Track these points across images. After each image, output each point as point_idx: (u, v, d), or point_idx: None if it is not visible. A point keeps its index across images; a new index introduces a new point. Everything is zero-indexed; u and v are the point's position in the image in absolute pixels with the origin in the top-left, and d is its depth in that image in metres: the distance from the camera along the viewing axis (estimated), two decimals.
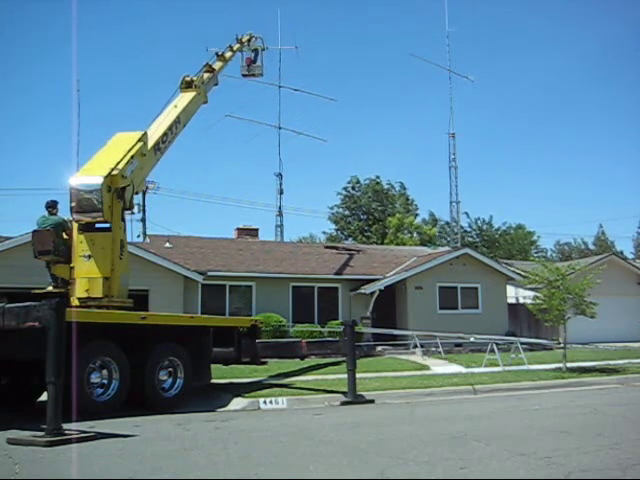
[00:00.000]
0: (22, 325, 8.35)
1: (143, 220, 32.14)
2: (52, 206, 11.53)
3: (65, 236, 11.33)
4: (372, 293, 23.78)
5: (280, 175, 38.93)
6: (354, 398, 11.20)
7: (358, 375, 11.80)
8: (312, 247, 31.07)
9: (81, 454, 6.47)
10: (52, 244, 11.03)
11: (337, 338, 18.56)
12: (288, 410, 10.67)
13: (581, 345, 22.16)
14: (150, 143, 12.59)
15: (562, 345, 17.75)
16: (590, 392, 13.09)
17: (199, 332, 11.71)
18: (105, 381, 9.49)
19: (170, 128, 13.53)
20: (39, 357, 7.58)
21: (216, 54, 16.87)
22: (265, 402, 10.99)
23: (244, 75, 19.72)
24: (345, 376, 11.62)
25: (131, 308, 11.19)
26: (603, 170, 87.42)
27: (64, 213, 11.47)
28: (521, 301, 27.36)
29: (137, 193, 12.34)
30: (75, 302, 10.57)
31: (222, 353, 12.51)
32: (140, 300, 13.40)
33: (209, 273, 21.74)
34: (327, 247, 28.07)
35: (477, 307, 25.62)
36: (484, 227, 57.43)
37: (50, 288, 11.17)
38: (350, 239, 50.97)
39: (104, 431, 7.61)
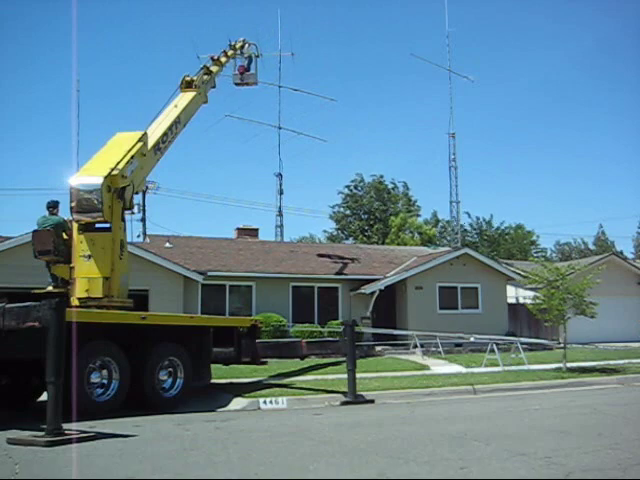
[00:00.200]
0: (22, 325, 8.35)
1: (143, 220, 32.23)
2: (53, 206, 11.54)
3: (65, 236, 11.32)
4: (372, 293, 23.79)
5: (280, 175, 38.97)
6: (354, 398, 11.20)
7: (358, 375, 11.80)
8: (312, 247, 31.06)
9: (81, 454, 6.46)
10: (52, 244, 11.02)
11: (337, 338, 18.53)
12: (288, 410, 10.67)
13: (581, 345, 22.14)
14: (150, 143, 12.59)
15: (562, 345, 17.74)
16: (590, 392, 13.08)
17: (199, 332, 11.71)
18: (105, 381, 9.49)
19: (170, 128, 13.52)
20: (39, 357, 7.58)
21: (211, 58, 16.66)
22: (265, 402, 10.99)
23: (237, 84, 18.70)
24: (345, 376, 11.62)
25: (131, 308, 11.19)
26: (603, 170, 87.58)
27: (65, 213, 11.49)
28: (521, 301, 27.36)
29: (137, 193, 12.34)
30: (75, 302, 10.57)
31: (222, 353, 12.51)
32: (140, 300, 13.41)
33: (209, 273, 21.75)
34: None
35: (477, 307, 25.62)
36: (484, 227, 57.44)
37: (50, 288, 11.17)
38: (351, 239, 50.98)
39: (104, 431, 7.60)
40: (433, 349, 21.24)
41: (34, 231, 11.47)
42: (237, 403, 10.96)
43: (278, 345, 16.95)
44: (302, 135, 37.39)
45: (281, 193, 39.45)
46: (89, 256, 10.74)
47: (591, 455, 6.25)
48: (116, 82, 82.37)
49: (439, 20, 79.21)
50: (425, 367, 17.39)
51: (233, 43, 17.97)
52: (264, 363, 13.93)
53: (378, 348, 21.86)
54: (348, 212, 53.21)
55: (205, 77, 15.67)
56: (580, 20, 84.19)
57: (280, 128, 37.02)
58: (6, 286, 15.52)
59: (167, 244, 24.22)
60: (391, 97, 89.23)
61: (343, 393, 11.47)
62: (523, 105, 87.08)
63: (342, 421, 9.21)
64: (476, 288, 25.67)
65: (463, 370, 16.64)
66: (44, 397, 8.26)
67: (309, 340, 18.53)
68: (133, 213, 12.82)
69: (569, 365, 16.10)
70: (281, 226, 39.69)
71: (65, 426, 7.21)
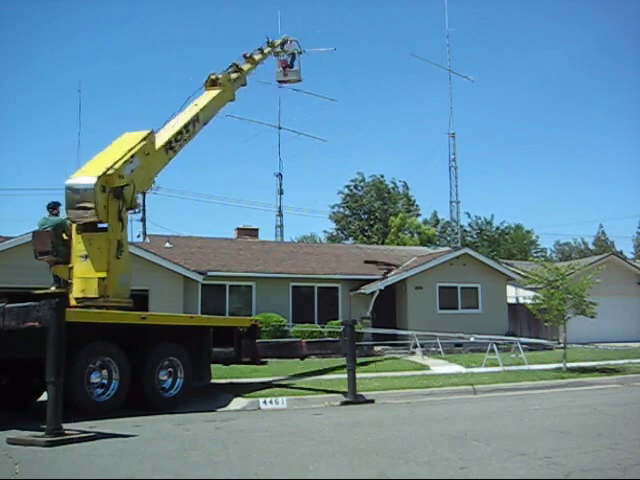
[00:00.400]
0: (22, 325, 8.35)
1: (143, 220, 32.20)
2: (53, 207, 11.53)
3: (65, 237, 11.31)
4: (372, 293, 23.79)
5: (280, 175, 39.06)
6: (354, 398, 11.19)
7: (358, 375, 11.79)
8: (312, 247, 31.06)
9: (81, 454, 6.46)
10: (50, 245, 11.02)
11: (337, 338, 18.55)
12: (288, 410, 10.67)
13: (581, 345, 22.15)
14: (161, 142, 12.41)
15: (562, 345, 17.74)
16: (590, 392, 13.08)
17: (199, 332, 11.71)
18: (105, 381, 9.48)
19: (186, 126, 13.29)
20: (39, 357, 7.58)
21: (244, 56, 16.20)
22: (265, 402, 10.98)
23: (280, 81, 18.00)
24: (345, 376, 11.62)
25: (131, 308, 11.17)
26: (603, 170, 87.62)
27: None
28: (521, 301, 27.36)
29: (143, 192, 12.19)
30: (72, 302, 10.55)
31: (222, 353, 12.50)
32: (140, 300, 13.39)
33: (209, 273, 21.75)
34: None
35: (477, 307, 25.63)
36: (484, 227, 57.45)
37: (53, 289, 11.14)
38: (351, 239, 50.97)
39: (104, 431, 7.60)
40: (433, 349, 21.25)
41: (34, 232, 11.47)
42: (237, 403, 10.95)
43: (278, 345, 16.96)
44: (302, 135, 37.58)
45: (281, 193, 39.56)
46: (86, 256, 10.70)
47: (591, 455, 6.25)
48: (116, 82, 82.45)
49: (439, 20, 79.37)
50: (425, 367, 17.39)
51: (272, 40, 17.25)
52: (264, 363, 13.92)
53: (378, 348, 21.87)
54: (348, 212, 53.22)
55: (233, 75, 15.29)
56: (580, 20, 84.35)
57: (280, 128, 37.15)
58: (6, 286, 15.50)
59: (167, 244, 24.22)
60: (391, 97, 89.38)
61: (343, 393, 11.46)
62: (523, 105, 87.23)
63: (342, 421, 9.20)
64: (476, 288, 25.68)
65: (463, 370, 16.64)
66: (44, 397, 8.25)
67: (309, 340, 18.54)
68: (136, 212, 12.76)
69: (569, 365, 16.09)
70: (281, 226, 39.78)
71: (65, 426, 7.20)
